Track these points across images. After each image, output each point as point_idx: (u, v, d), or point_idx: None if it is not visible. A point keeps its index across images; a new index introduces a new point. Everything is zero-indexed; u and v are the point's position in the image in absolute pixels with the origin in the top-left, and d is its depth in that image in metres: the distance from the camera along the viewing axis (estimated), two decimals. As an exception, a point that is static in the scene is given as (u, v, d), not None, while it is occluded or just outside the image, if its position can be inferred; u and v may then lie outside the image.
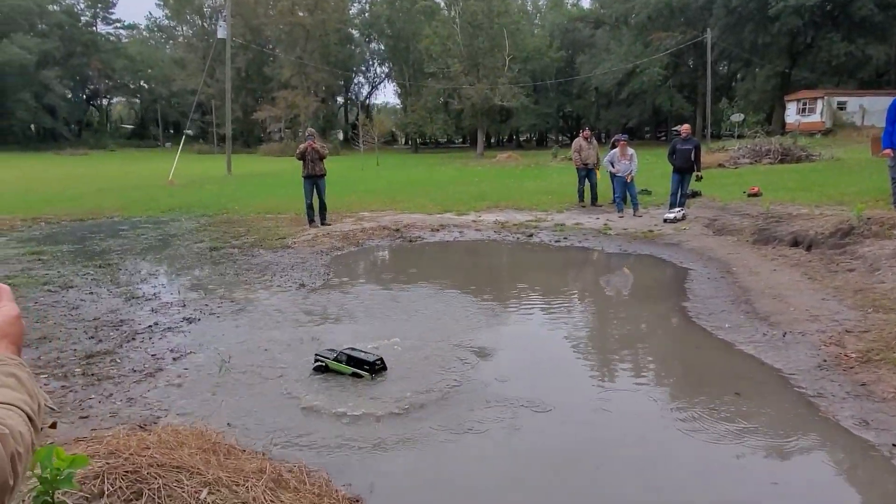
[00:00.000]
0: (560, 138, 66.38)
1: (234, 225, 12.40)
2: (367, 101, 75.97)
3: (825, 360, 4.58)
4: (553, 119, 64.21)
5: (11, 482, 0.80)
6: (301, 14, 58.11)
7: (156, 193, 18.88)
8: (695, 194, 13.60)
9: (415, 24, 55.82)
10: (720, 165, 21.54)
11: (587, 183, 13.76)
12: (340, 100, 75.49)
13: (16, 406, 0.87)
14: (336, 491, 2.72)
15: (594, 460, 3.42)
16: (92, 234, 11.71)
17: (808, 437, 3.62)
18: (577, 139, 14.07)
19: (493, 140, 67.44)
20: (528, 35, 54.23)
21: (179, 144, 30.38)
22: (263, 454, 3.06)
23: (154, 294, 7.07)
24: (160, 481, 2.11)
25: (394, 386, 4.34)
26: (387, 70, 71.74)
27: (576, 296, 7.42)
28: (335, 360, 4.54)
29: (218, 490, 2.19)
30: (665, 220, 11.30)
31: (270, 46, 62.93)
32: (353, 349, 4.63)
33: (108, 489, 2.01)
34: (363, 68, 73.06)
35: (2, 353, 0.92)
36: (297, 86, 56.41)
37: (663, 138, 54.40)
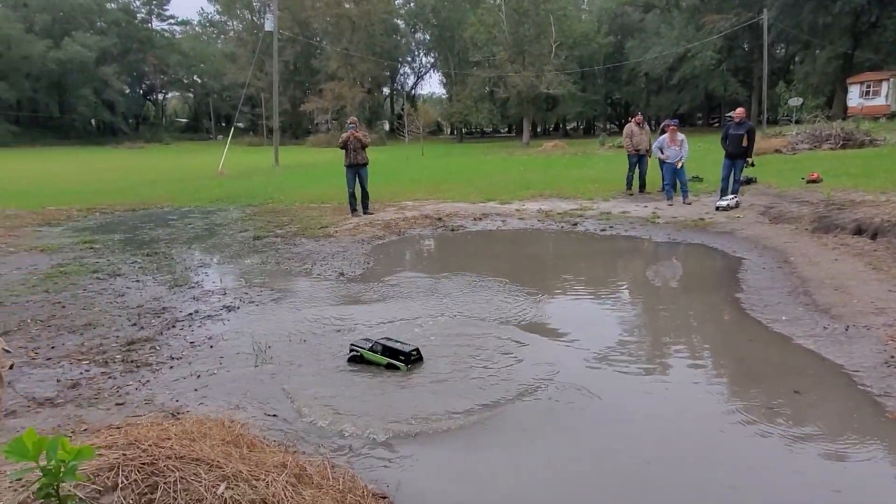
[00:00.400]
0: (608, 126, 64.92)
1: (279, 214, 12.52)
2: (413, 92, 76.10)
3: (892, 357, 4.25)
4: (601, 106, 62.80)
5: None
6: (347, 5, 58.57)
7: (205, 184, 19.30)
8: (749, 181, 13.03)
9: (460, 13, 55.49)
10: (777, 151, 20.67)
11: (636, 170, 13.34)
12: (386, 90, 75.84)
13: None
14: (362, 487, 2.61)
15: (642, 458, 3.22)
16: (143, 223, 12.00)
17: (874, 440, 3.33)
18: (628, 124, 13.59)
19: (539, 129, 66.45)
20: (576, 21, 53.00)
21: (229, 137, 30.99)
22: (287, 448, 2.98)
23: (197, 282, 7.15)
24: (177, 474, 2.04)
25: (430, 377, 4.22)
26: (432, 60, 71.62)
27: (623, 286, 7.14)
28: (370, 350, 4.46)
29: (236, 484, 2.11)
30: (717, 208, 10.83)
31: (317, 39, 63.65)
32: (388, 339, 4.53)
33: (122, 482, 1.95)
34: (409, 58, 73.23)
35: None
36: (343, 77, 56.93)
37: (716, 124, 52.61)
